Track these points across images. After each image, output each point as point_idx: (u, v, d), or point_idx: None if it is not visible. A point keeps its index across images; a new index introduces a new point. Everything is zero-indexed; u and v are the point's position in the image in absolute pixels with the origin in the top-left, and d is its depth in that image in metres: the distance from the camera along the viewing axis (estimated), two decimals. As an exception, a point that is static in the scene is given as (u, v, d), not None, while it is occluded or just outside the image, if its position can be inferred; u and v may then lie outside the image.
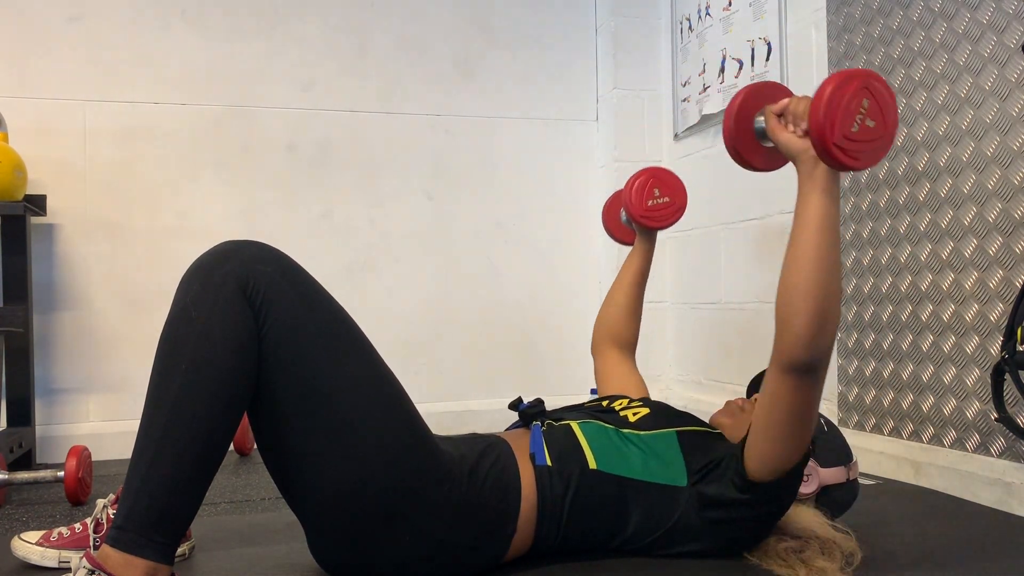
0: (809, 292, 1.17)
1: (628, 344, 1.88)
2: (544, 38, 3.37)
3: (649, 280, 1.93)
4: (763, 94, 1.33)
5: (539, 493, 1.33)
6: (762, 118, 1.29)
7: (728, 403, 1.55)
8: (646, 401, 1.56)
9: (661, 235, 3.24)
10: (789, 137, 1.23)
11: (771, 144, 1.29)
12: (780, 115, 1.26)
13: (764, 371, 1.63)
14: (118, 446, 2.71)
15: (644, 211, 1.82)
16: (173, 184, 2.97)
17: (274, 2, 3.09)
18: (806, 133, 1.20)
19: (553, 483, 1.34)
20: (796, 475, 1.31)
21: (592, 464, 1.36)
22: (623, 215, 1.99)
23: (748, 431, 1.30)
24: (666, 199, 1.81)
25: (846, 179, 2.31)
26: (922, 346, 2.07)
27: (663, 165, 3.30)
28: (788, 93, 1.32)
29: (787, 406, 1.24)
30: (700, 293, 3.08)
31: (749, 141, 1.33)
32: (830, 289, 1.18)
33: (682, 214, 1.85)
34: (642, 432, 1.41)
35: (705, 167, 3.03)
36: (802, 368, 1.20)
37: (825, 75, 2.41)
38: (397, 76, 3.20)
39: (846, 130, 1.14)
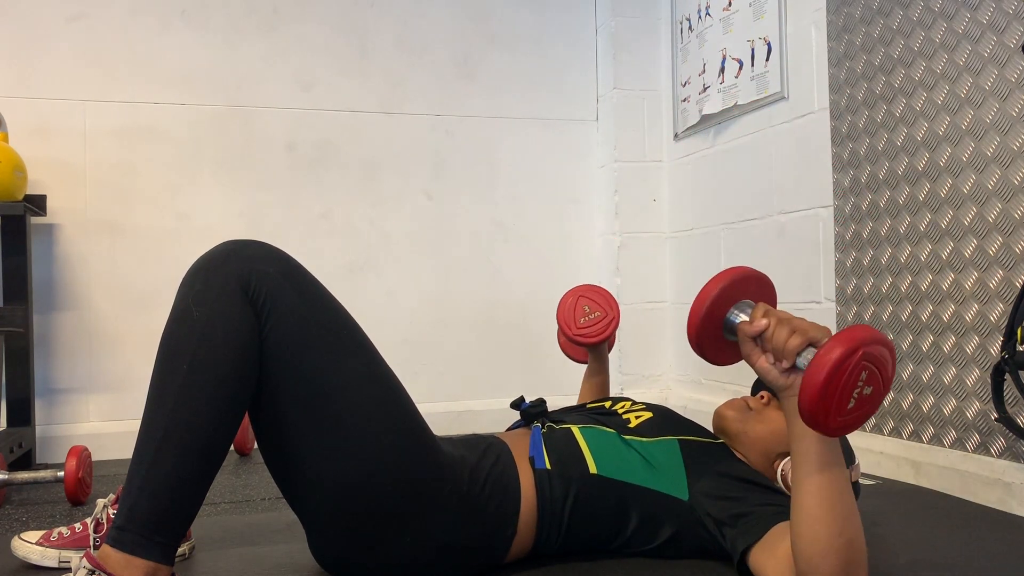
0: (831, 547, 1.02)
1: None
2: (544, 38, 3.37)
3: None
4: (733, 292, 1.14)
5: (539, 496, 1.33)
6: (736, 320, 1.12)
7: (734, 400, 1.52)
8: (649, 405, 1.55)
9: (662, 234, 3.26)
10: (769, 369, 1.07)
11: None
12: (755, 338, 1.08)
13: None
14: (118, 446, 2.71)
15: (578, 330, 1.86)
16: (173, 184, 2.97)
17: (274, 2, 3.09)
18: (788, 371, 1.05)
19: (553, 487, 1.34)
20: None
21: (592, 469, 1.35)
22: None
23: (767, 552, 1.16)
24: (596, 314, 1.86)
25: (845, 178, 2.31)
26: (922, 346, 2.07)
27: (663, 165, 3.30)
28: (764, 286, 1.16)
29: None
30: (700, 293, 3.08)
31: (718, 340, 1.16)
32: (851, 535, 1.03)
33: (617, 323, 1.88)
34: (643, 439, 1.41)
35: (705, 167, 3.03)
36: None
37: (825, 75, 2.41)
38: (397, 76, 3.20)
39: (842, 411, 0.98)
